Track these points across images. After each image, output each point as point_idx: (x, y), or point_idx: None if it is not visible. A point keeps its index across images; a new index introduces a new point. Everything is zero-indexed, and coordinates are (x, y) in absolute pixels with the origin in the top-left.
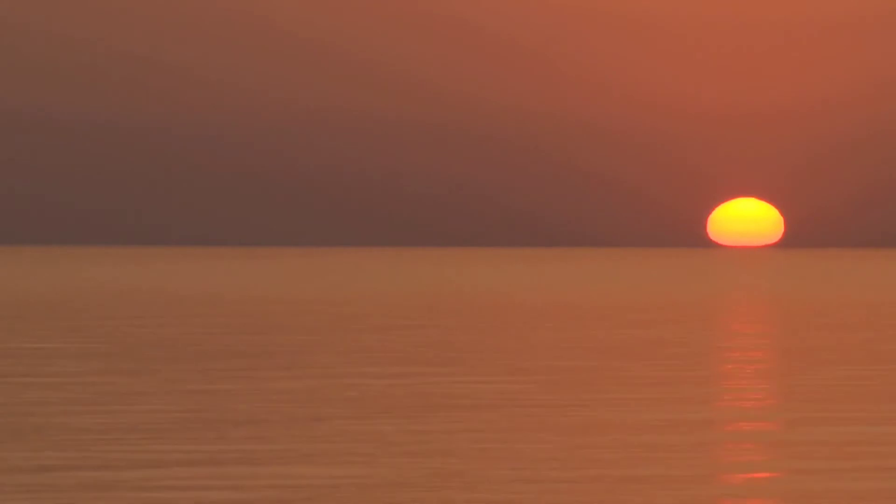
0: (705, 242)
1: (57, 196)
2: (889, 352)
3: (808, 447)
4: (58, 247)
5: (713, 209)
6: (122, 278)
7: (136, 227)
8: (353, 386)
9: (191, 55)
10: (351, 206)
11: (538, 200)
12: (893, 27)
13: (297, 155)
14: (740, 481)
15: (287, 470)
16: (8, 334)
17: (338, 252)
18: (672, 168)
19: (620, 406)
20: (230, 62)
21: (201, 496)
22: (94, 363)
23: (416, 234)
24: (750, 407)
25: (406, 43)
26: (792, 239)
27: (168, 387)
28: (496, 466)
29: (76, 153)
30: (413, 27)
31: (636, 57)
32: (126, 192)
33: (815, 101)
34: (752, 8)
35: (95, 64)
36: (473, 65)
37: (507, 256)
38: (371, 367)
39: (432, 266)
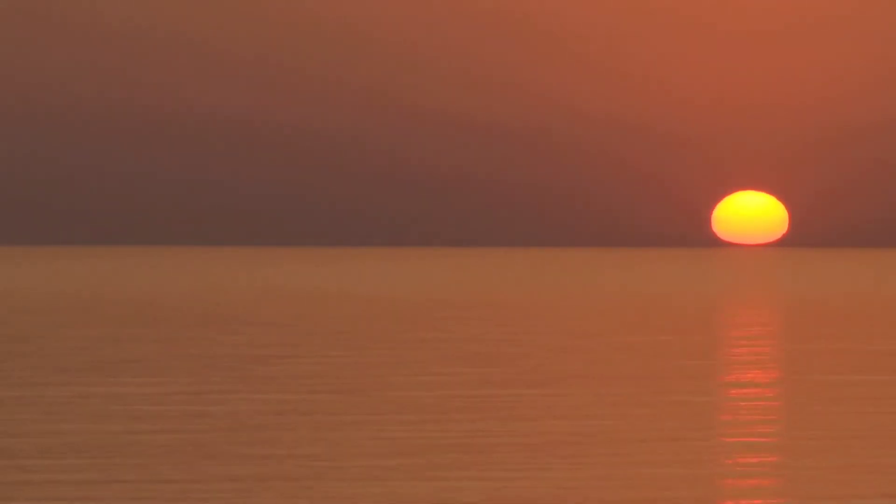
0: (710, 239)
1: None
2: None
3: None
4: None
5: (717, 203)
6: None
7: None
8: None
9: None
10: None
11: (532, 200)
12: None
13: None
14: None
15: None
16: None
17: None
18: (672, 164)
19: None
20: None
21: None
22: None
23: (410, 233)
24: None
25: (414, 31)
26: (797, 233)
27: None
28: None
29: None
30: (421, 14)
31: (639, 51)
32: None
33: (816, 91)
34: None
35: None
36: (471, 53)
37: (521, 256)
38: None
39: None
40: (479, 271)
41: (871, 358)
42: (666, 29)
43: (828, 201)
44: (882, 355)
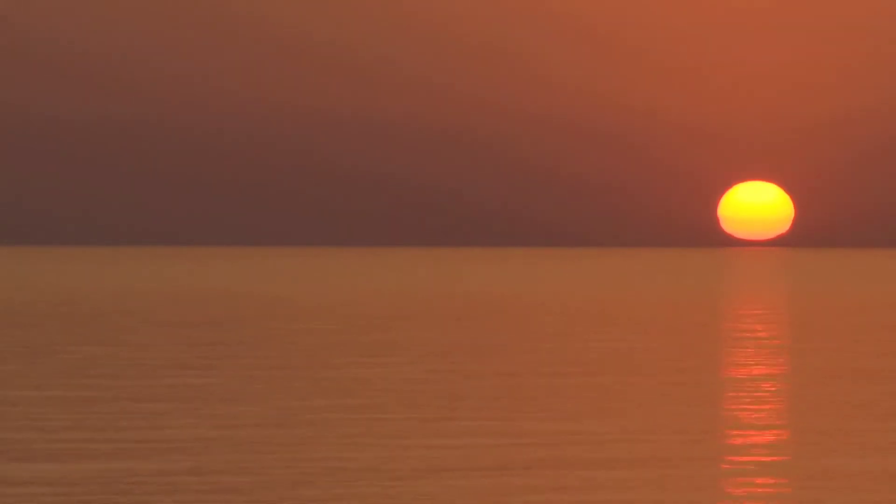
0: (717, 231)
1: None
2: None
3: None
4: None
5: (722, 196)
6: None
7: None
8: None
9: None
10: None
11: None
12: None
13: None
14: None
15: None
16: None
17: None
18: (677, 158)
19: None
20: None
21: None
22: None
23: (422, 233)
24: None
25: (414, 46)
26: (803, 221)
27: None
28: None
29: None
30: (416, 27)
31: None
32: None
33: (813, 78)
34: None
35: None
36: (475, 67)
37: (529, 257)
38: None
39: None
40: (476, 272)
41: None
42: (666, 19)
43: (834, 190)
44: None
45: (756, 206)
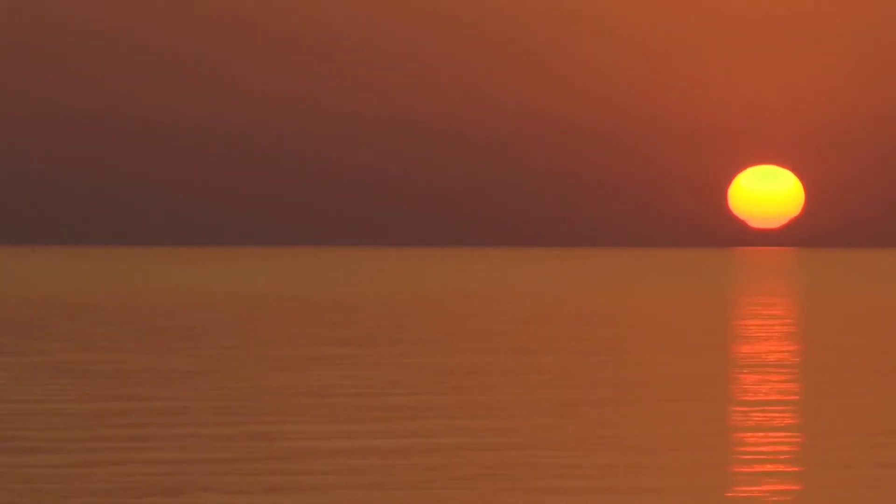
0: (727, 217)
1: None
2: None
3: None
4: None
5: (731, 181)
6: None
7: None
8: None
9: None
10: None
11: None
12: None
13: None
14: None
15: None
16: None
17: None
18: (683, 148)
19: None
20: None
21: None
22: None
23: (430, 233)
24: None
25: (422, 43)
26: (814, 207)
27: None
28: None
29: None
30: (422, 26)
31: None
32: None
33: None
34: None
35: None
36: (480, 65)
37: (525, 256)
38: None
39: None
40: (478, 272)
41: None
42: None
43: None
44: None
45: (765, 193)
